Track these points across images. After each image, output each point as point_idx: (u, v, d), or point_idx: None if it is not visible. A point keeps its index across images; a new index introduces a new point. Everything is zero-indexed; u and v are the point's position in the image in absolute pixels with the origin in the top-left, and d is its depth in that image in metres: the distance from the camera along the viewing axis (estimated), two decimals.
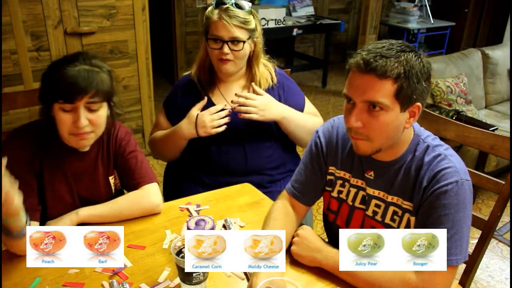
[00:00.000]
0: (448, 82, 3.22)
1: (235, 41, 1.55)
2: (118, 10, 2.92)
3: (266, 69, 1.72)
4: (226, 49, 1.56)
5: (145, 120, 3.33)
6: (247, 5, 1.59)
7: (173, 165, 1.81)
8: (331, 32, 5.10)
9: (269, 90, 1.68)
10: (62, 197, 1.33)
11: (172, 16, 4.60)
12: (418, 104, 1.06)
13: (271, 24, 4.52)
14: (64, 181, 1.33)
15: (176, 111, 1.69)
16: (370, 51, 1.03)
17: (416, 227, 1.11)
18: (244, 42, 1.56)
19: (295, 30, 4.65)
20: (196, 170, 1.72)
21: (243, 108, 1.58)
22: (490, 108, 3.67)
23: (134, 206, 1.36)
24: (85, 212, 1.29)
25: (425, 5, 5.65)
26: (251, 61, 1.67)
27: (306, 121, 1.68)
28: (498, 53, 3.68)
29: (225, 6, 1.55)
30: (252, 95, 1.61)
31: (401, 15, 5.45)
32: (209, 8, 1.60)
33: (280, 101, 1.68)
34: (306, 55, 5.75)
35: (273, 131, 1.69)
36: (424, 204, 1.09)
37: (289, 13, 5.12)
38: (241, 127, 1.66)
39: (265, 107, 1.60)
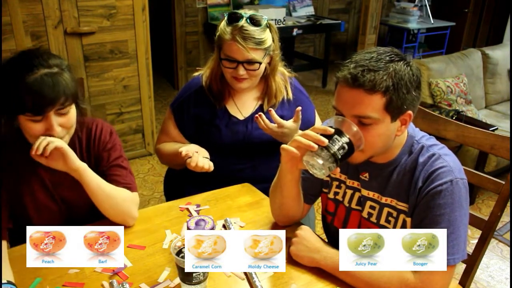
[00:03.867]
0: (448, 82, 3.22)
1: (250, 62, 1.49)
2: (118, 10, 2.92)
3: (282, 80, 1.66)
4: (241, 70, 1.49)
5: (145, 120, 3.33)
6: (263, 20, 1.49)
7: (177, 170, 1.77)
8: (331, 32, 5.10)
9: (284, 105, 1.64)
10: (45, 206, 1.29)
11: (172, 16, 4.60)
12: (409, 112, 1.06)
13: None
14: (43, 190, 1.28)
15: (188, 120, 1.65)
16: (358, 64, 1.01)
17: (412, 228, 1.11)
18: (260, 63, 1.50)
19: (295, 30, 4.65)
20: (201, 178, 1.65)
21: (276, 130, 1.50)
22: (490, 108, 3.68)
23: (125, 203, 1.30)
24: (91, 172, 1.24)
25: (425, 5, 5.66)
26: (266, 72, 1.61)
27: None
28: (498, 53, 3.68)
29: (239, 24, 1.46)
30: (291, 125, 1.50)
31: (401, 15, 5.45)
32: (222, 25, 1.51)
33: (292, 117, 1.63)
34: (306, 55, 5.75)
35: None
36: (420, 204, 1.09)
37: (289, 13, 5.12)
38: (256, 142, 1.62)
39: (289, 138, 1.54)
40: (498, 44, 4.43)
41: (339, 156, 1.01)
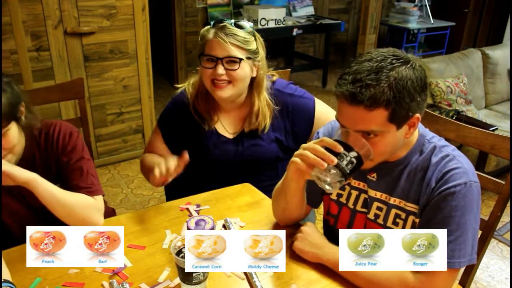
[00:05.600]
0: (448, 82, 3.22)
1: (231, 60, 1.43)
2: (118, 10, 2.92)
3: (268, 105, 1.58)
4: (220, 69, 1.43)
5: (145, 120, 3.33)
6: (248, 26, 1.49)
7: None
8: (331, 32, 5.10)
9: (273, 128, 1.60)
10: (17, 213, 1.28)
11: (172, 16, 4.60)
12: (417, 115, 1.03)
13: (271, 24, 4.52)
14: (12, 197, 1.27)
15: (176, 137, 1.63)
16: (356, 78, 0.97)
17: (419, 227, 1.10)
18: (241, 60, 1.43)
19: (295, 30, 4.65)
20: (201, 178, 1.68)
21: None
22: (490, 108, 3.68)
23: (83, 210, 1.25)
24: (43, 182, 1.18)
25: (425, 5, 5.66)
26: (251, 88, 1.55)
27: None
28: (498, 53, 3.68)
29: (222, 24, 1.46)
30: None
31: (401, 15, 5.45)
32: (206, 27, 1.50)
33: (287, 126, 1.61)
34: (306, 55, 5.75)
35: (275, 162, 1.64)
36: (431, 204, 1.06)
37: (289, 13, 5.12)
38: (248, 159, 1.61)
39: None
40: (498, 44, 4.43)
41: (348, 171, 1.01)
